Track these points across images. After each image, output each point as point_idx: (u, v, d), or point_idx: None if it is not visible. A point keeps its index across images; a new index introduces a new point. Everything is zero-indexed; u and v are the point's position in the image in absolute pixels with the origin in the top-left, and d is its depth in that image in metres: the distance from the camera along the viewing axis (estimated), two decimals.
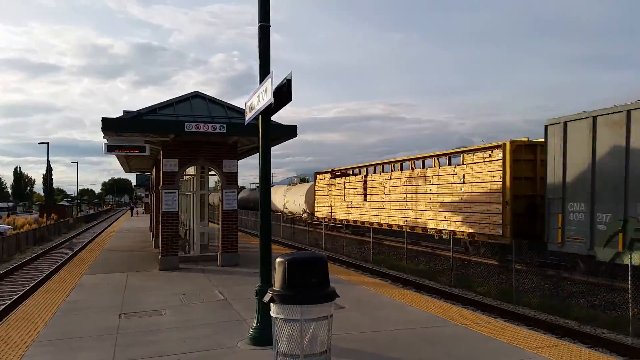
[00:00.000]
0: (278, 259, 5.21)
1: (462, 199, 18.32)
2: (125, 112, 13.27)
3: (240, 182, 52.29)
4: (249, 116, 7.53)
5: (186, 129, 12.36)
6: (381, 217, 24.11)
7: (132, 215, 60.68)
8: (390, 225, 23.45)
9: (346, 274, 13.40)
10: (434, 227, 20.07)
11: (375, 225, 24.36)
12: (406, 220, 22.06)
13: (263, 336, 6.35)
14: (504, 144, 16.47)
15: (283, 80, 6.41)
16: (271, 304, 5.08)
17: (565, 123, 14.19)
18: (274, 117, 8.14)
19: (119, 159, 21.96)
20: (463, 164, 18.51)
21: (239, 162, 15.47)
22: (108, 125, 12.05)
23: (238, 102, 11.57)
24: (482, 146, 17.88)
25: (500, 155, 16.43)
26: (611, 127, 12.79)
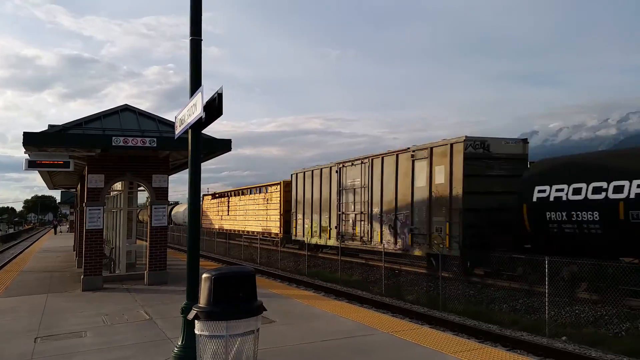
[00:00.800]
0: (204, 275, 5.14)
1: (266, 212, 30.85)
2: (50, 126, 12.66)
3: (175, 198, 50.81)
4: (178, 130, 7.39)
5: (114, 144, 11.92)
6: (235, 224, 35.91)
7: (55, 233, 57.53)
8: (239, 230, 34.47)
9: (280, 288, 13.37)
10: (256, 230, 31.87)
11: (233, 230, 35.38)
12: (245, 226, 34.15)
13: (188, 355, 6.18)
14: (281, 183, 29.26)
15: (214, 95, 6.37)
16: (196, 321, 5.00)
17: (296, 174, 26.70)
18: (210, 131, 8.07)
19: (42, 175, 20.82)
20: (267, 192, 31.18)
21: (173, 176, 15.13)
22: (30, 139, 11.44)
23: (173, 116, 11.43)
24: (274, 183, 30.53)
25: (279, 188, 29.25)
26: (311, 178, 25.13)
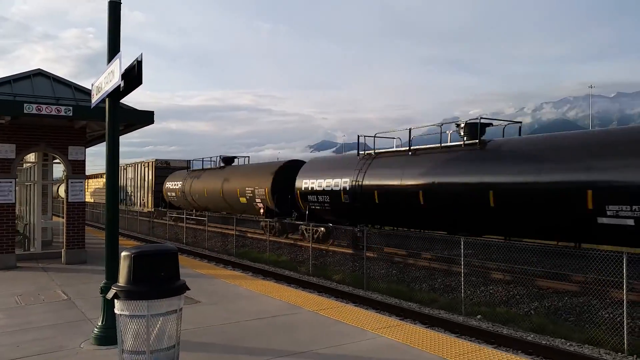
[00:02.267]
0: (123, 253, 4.95)
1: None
2: None
3: (94, 172, 48.50)
4: (95, 99, 7.01)
5: (25, 111, 11.08)
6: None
7: None
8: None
9: (207, 268, 13.17)
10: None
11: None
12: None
13: (109, 335, 5.99)
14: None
15: (133, 62, 6.09)
16: (116, 301, 4.82)
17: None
18: (130, 102, 7.70)
19: None
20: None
21: (92, 149, 14.38)
22: None
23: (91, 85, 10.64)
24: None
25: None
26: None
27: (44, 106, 11.34)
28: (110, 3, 6.45)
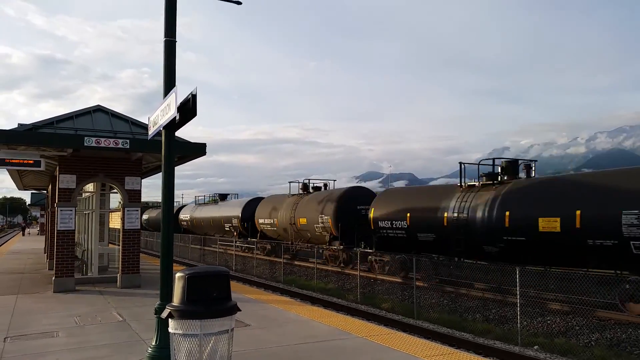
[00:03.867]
0: (178, 274, 5.09)
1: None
2: (19, 124, 12.41)
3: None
4: (152, 131, 7.34)
5: (86, 144, 11.75)
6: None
7: (23, 235, 56.29)
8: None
9: (255, 294, 13.27)
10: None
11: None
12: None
13: (162, 355, 6.10)
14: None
15: (188, 96, 6.36)
16: (170, 320, 4.94)
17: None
18: (185, 136, 8.04)
19: (11, 175, 20.35)
20: None
21: (147, 181, 14.99)
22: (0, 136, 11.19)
23: (147, 119, 11.29)
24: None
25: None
26: None
27: (102, 139, 11.98)
28: (166, 42, 6.81)
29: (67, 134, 12.09)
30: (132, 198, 13.76)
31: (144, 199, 14.92)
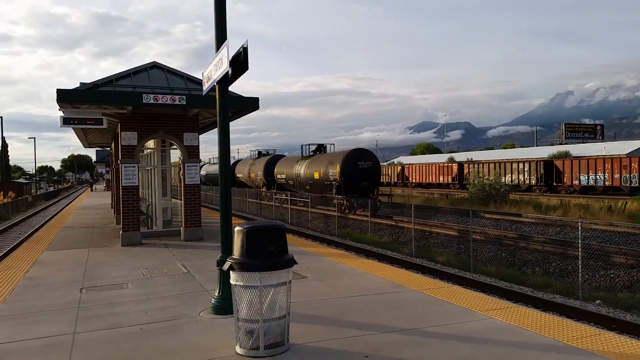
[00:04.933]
0: (237, 228, 5.25)
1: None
2: (81, 83, 12.87)
3: (206, 158, 52.32)
4: (206, 86, 7.43)
5: (144, 101, 12.08)
6: None
7: (91, 191, 59.61)
8: None
9: (310, 247, 13.55)
10: None
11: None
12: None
13: (224, 305, 6.41)
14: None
15: (239, 49, 6.34)
16: (231, 272, 5.14)
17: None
18: (238, 91, 8.08)
19: (77, 134, 21.37)
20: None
21: (204, 136, 15.38)
22: (63, 96, 11.67)
23: (201, 75, 11.35)
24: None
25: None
26: None
27: (160, 96, 12.26)
28: None
29: (126, 92, 12.45)
30: (191, 154, 14.16)
31: (202, 155, 15.30)
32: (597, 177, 37.09)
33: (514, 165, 44.09)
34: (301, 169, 31.55)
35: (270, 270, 5.01)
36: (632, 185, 34.59)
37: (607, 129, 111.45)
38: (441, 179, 51.63)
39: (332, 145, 33.17)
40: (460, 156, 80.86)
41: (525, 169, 42.65)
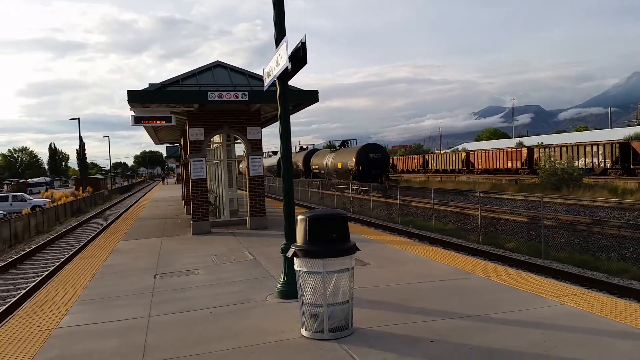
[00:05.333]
0: (299, 216, 5.38)
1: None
2: (150, 84, 13.54)
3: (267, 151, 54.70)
4: (267, 82, 7.60)
5: (209, 98, 12.53)
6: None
7: (163, 184, 62.46)
8: None
9: (373, 234, 13.56)
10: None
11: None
12: None
13: (289, 290, 6.59)
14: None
15: (298, 44, 6.44)
16: (295, 259, 5.28)
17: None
18: (297, 85, 8.20)
19: (147, 131, 22.44)
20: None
21: (267, 130, 15.67)
22: (133, 97, 12.31)
23: (262, 71, 11.70)
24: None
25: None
26: None
27: (224, 93, 12.67)
28: None
29: (192, 90, 12.96)
30: (255, 147, 14.53)
31: (264, 148, 15.72)
32: None
33: (588, 149, 41.74)
34: (329, 161, 38.25)
35: (333, 257, 5.10)
36: None
37: None
38: (509, 164, 49.75)
39: (355, 141, 39.68)
40: (530, 140, 77.61)
41: (600, 152, 40.28)
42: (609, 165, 39.41)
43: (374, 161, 33.43)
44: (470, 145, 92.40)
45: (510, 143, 78.29)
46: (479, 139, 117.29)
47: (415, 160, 69.58)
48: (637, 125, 71.79)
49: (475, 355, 4.58)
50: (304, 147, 53.46)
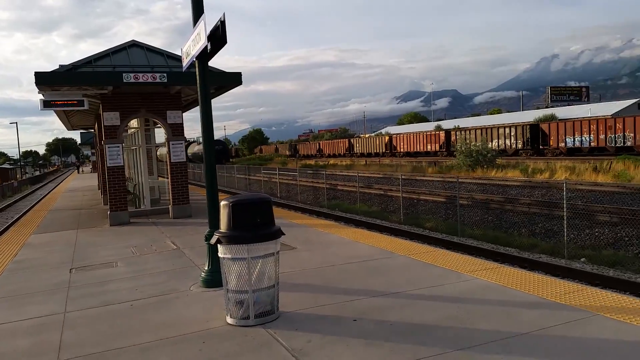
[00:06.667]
0: (222, 202, 5.28)
1: None
2: (60, 66, 12.63)
3: (192, 136, 54.73)
4: (185, 62, 7.35)
5: (124, 80, 11.91)
6: None
7: (78, 172, 59.27)
8: None
9: (300, 219, 13.63)
10: None
11: None
12: None
13: (214, 279, 6.48)
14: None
15: (217, 23, 6.25)
16: (219, 246, 5.18)
17: None
18: (220, 67, 8.00)
19: (59, 116, 21.06)
20: None
21: (189, 114, 15.17)
22: (42, 79, 11.47)
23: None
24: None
25: None
26: None
27: (140, 74, 12.09)
28: None
29: (106, 72, 12.26)
30: (176, 132, 14.05)
31: (188, 133, 15.25)
32: (583, 138, 37.44)
33: (500, 131, 44.31)
34: (193, 150, 52.77)
35: (257, 242, 5.06)
36: (617, 145, 34.98)
37: (593, 90, 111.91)
38: (429, 147, 51.82)
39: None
40: (448, 124, 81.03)
41: (512, 134, 42.90)
42: (520, 146, 42.09)
43: (217, 151, 39.66)
44: (392, 129, 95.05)
45: (429, 127, 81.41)
46: (400, 122, 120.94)
47: (341, 145, 70.69)
48: (546, 107, 77.01)
49: (395, 331, 4.75)
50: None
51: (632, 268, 9.71)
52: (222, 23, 6.15)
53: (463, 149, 32.99)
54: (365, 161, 53.39)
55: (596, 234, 12.16)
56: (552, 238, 12.49)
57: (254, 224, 5.15)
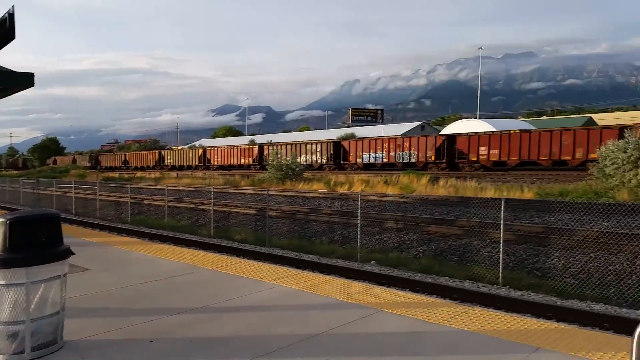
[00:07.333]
0: None
1: None
2: None
3: None
4: None
5: None
6: None
7: None
8: None
9: (98, 237, 12.56)
10: None
11: None
12: None
13: None
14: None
15: (4, 15, 5.56)
16: None
17: None
18: (11, 66, 7.04)
19: None
20: None
21: None
22: None
23: None
24: None
25: None
26: None
27: None
28: None
29: None
30: None
31: None
32: (377, 155, 41.88)
33: (308, 147, 47.15)
34: None
35: (40, 264, 4.54)
36: (404, 161, 39.92)
37: (386, 113, 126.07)
38: (243, 160, 52.55)
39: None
40: (261, 138, 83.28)
41: (318, 150, 45.97)
42: (324, 161, 45.29)
43: None
44: (207, 142, 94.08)
45: (243, 141, 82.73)
46: (215, 135, 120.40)
47: (151, 156, 67.45)
48: (348, 127, 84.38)
49: (194, 347, 4.69)
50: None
51: (412, 267, 11.15)
52: (11, 15, 5.53)
53: (274, 163, 34.23)
54: (177, 174, 51.82)
55: (384, 239, 13.67)
56: (348, 244, 13.67)
57: (37, 244, 4.61)
